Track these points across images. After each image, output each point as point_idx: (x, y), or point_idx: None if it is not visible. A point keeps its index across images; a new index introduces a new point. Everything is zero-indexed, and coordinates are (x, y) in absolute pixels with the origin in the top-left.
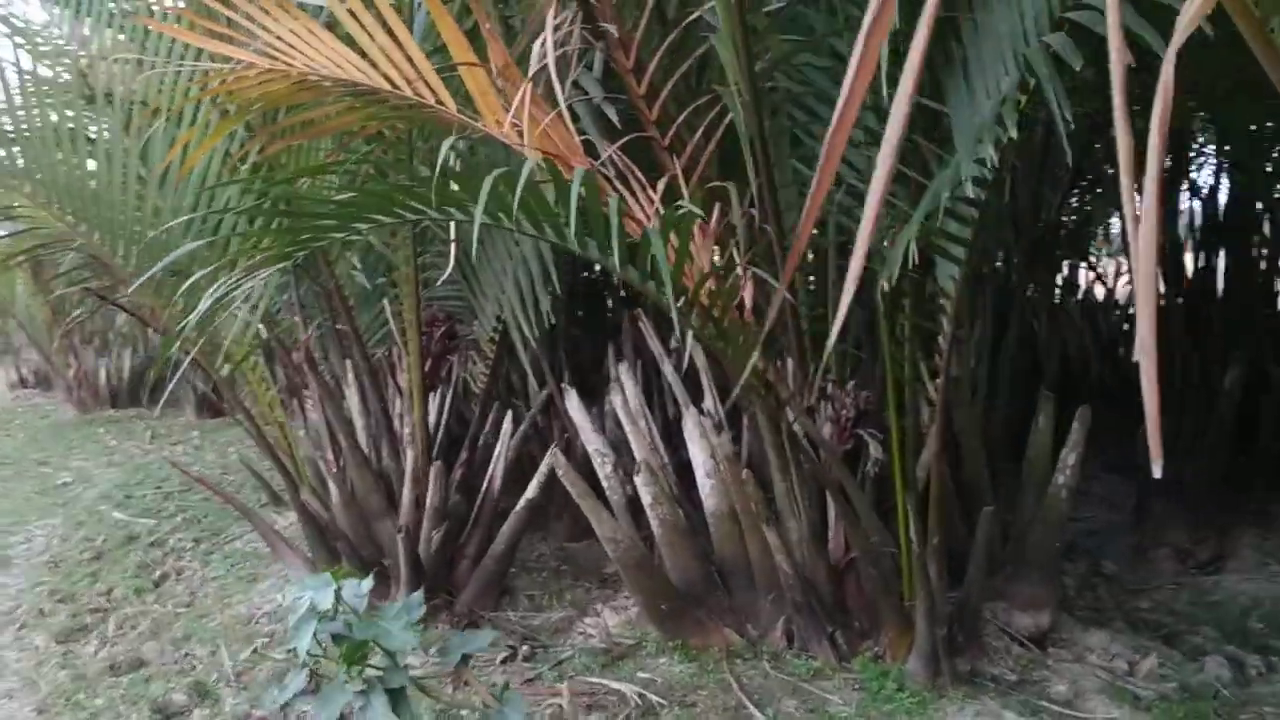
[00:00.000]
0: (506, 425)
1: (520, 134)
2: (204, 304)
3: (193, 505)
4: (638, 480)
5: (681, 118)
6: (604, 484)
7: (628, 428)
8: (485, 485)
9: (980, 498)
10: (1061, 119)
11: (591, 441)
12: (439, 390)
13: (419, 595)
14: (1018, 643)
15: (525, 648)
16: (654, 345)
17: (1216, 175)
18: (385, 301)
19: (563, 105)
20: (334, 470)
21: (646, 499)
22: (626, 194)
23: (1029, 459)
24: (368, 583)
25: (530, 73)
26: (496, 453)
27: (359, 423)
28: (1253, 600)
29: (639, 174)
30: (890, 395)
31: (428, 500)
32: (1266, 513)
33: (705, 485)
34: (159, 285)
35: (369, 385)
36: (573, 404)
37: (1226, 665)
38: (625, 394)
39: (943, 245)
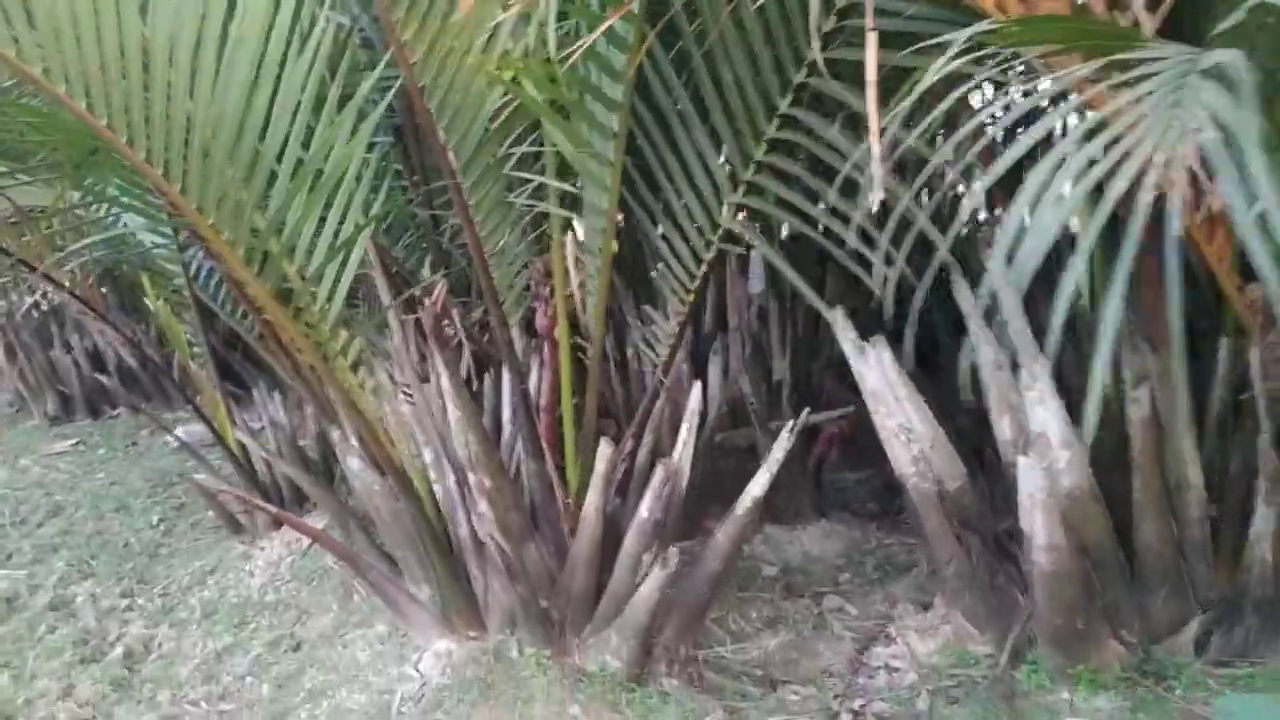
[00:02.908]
0: (695, 397)
1: None
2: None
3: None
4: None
5: None
6: (909, 470)
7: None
8: (668, 483)
9: None
10: None
11: (895, 415)
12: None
13: None
14: None
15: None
16: None
17: None
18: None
19: None
20: (486, 485)
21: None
22: None
23: None
24: None
25: None
26: (683, 434)
27: (504, 414)
28: None
29: None
30: None
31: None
32: None
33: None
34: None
35: (508, 362)
36: (878, 362)
37: None
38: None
39: None
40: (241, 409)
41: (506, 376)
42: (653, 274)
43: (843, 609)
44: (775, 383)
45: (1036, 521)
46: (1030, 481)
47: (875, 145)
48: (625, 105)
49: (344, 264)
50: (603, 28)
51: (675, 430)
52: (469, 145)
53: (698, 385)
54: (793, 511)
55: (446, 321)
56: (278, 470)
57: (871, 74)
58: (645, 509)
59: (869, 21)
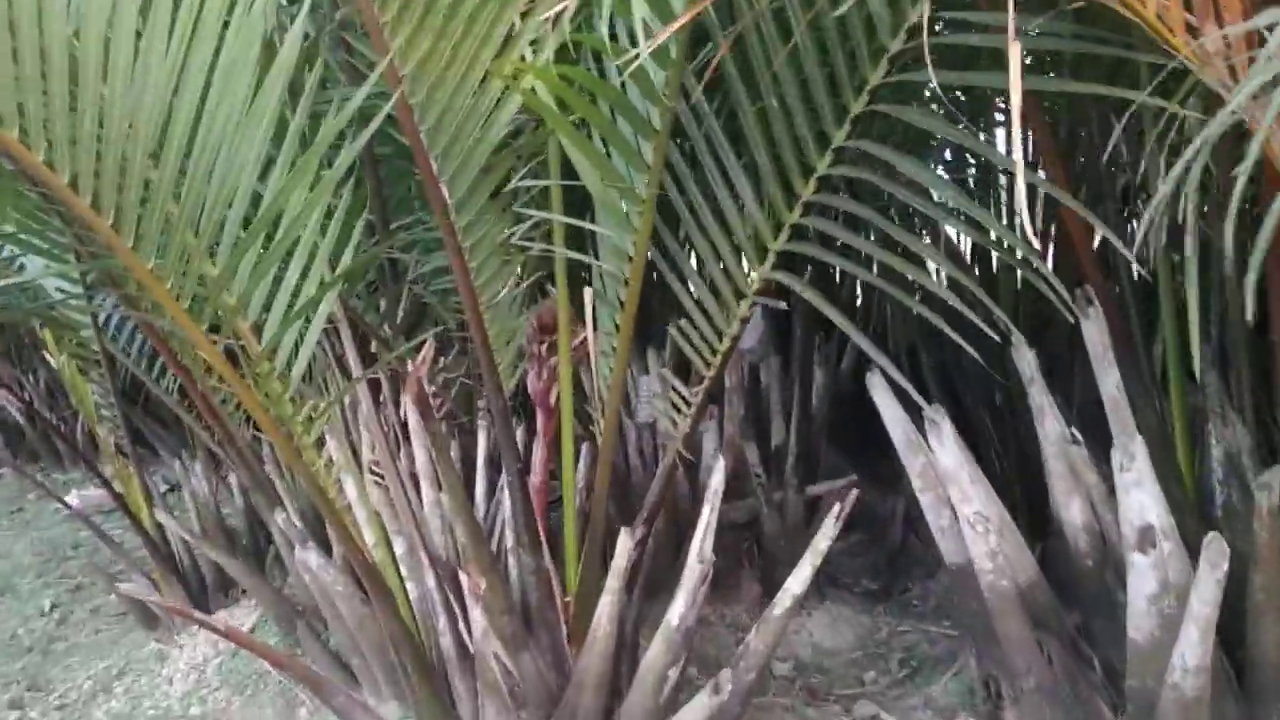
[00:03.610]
0: (717, 476)
1: None
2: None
3: None
4: None
5: None
6: (986, 565)
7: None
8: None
9: None
10: None
11: (971, 499)
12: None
13: None
14: None
15: None
16: None
17: None
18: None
19: None
20: (480, 586)
21: None
22: None
23: None
24: None
25: None
26: (703, 519)
27: (478, 493)
28: None
29: None
30: None
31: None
32: None
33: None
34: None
35: (502, 435)
36: (946, 437)
37: None
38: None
39: None
40: (147, 469)
41: (482, 446)
42: (670, 330)
43: (879, 718)
44: (775, 448)
45: (1187, 638)
46: (1148, 585)
47: (1020, 178)
48: (664, 132)
49: (309, 320)
50: (663, 35)
51: (677, 509)
52: (466, 176)
53: (721, 462)
54: None
55: (434, 388)
56: (199, 550)
57: (1016, 99)
58: (676, 615)
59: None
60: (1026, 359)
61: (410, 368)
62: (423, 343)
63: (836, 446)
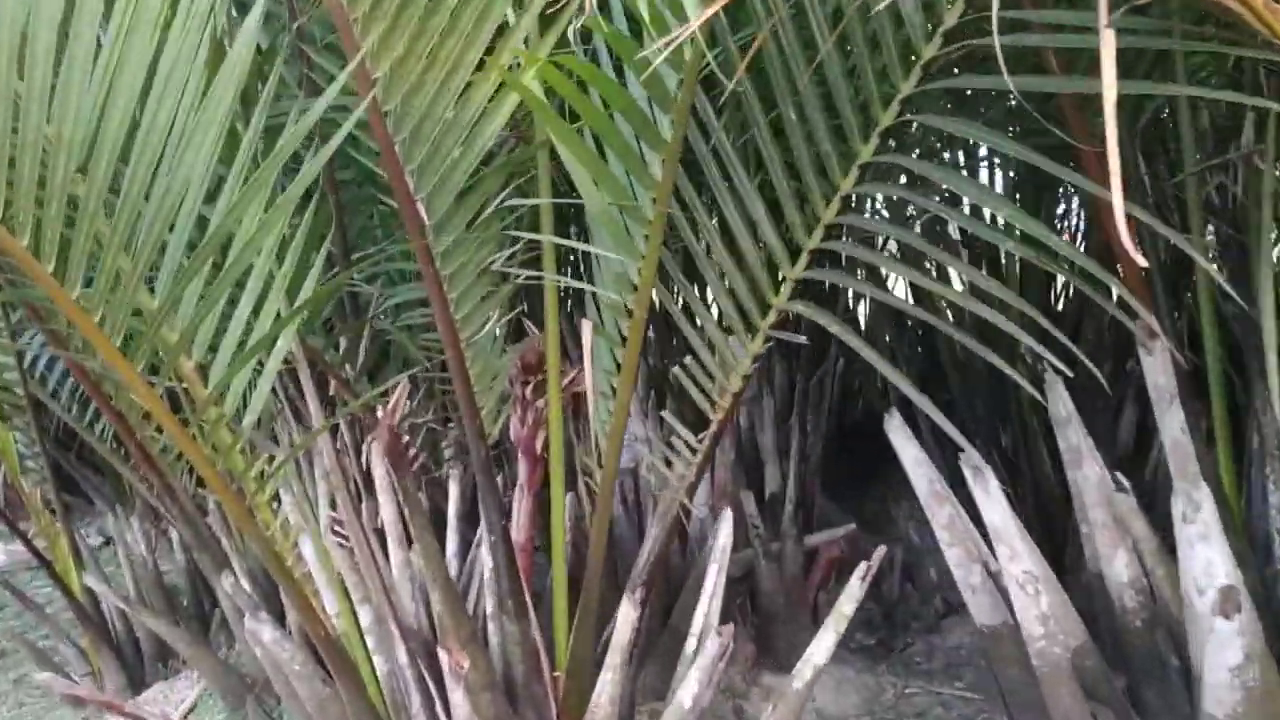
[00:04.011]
0: (725, 531)
1: None
2: None
3: None
4: None
5: None
6: (1036, 630)
7: None
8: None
9: None
10: None
11: (1021, 559)
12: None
13: None
14: None
15: None
16: None
17: None
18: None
19: None
20: (461, 664)
21: None
22: None
23: None
24: None
25: None
26: (710, 580)
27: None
28: None
29: None
30: None
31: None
32: None
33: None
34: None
35: (484, 487)
36: (993, 491)
37: None
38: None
39: None
40: (80, 521)
41: (454, 498)
42: (673, 370)
43: None
44: (770, 496)
45: None
46: (1232, 656)
47: (1118, 191)
48: (675, 145)
49: (263, 362)
50: (689, 28)
51: (668, 569)
52: (447, 194)
53: (728, 514)
54: (789, 650)
55: (407, 438)
56: (135, 618)
57: (1110, 105)
58: (689, 696)
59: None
60: (1061, 398)
61: (379, 413)
62: (391, 386)
63: (824, 490)
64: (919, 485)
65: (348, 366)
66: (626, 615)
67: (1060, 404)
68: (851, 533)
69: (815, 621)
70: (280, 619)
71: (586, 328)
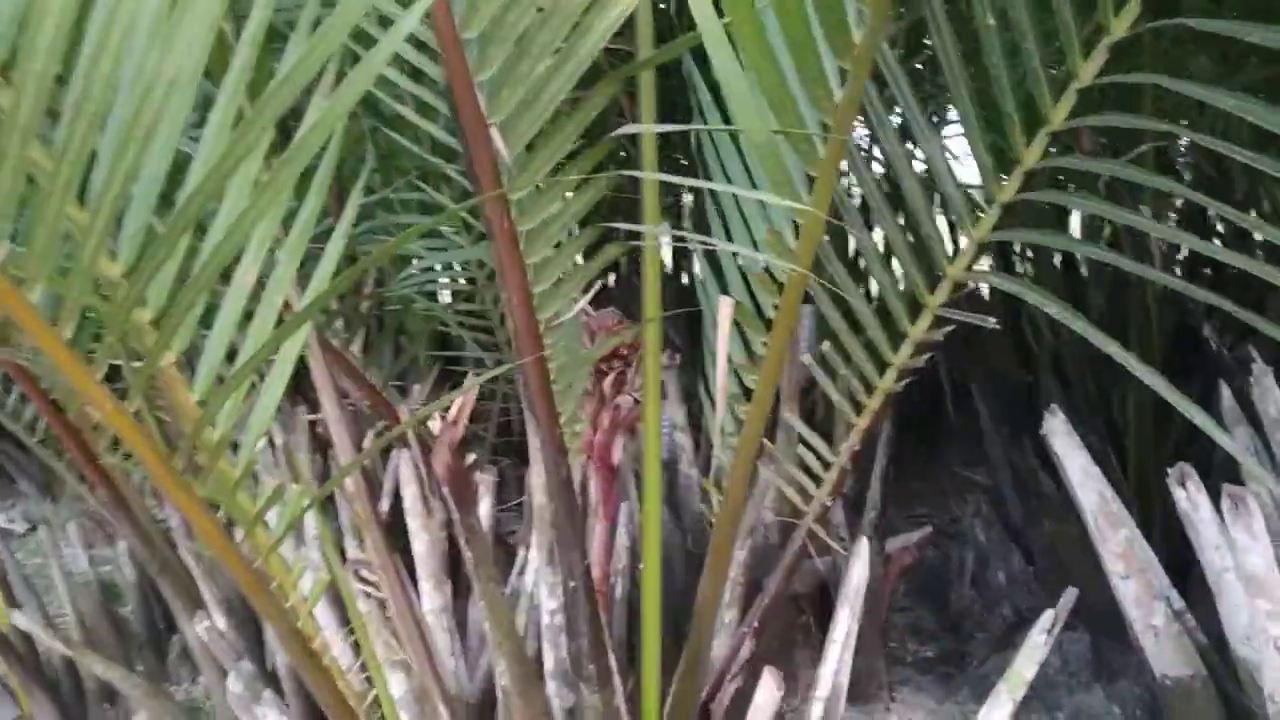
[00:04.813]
0: (860, 566)
1: None
2: None
3: None
4: None
5: None
6: None
7: None
8: None
9: None
10: None
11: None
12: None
13: None
14: None
15: None
16: None
17: None
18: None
19: None
20: None
21: None
22: None
23: None
24: None
25: None
26: (841, 629)
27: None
28: None
29: None
30: None
31: None
32: None
33: None
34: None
35: (564, 518)
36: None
37: None
38: None
39: None
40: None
41: (486, 516)
42: (805, 359)
43: None
44: (853, 498)
45: None
46: None
47: None
48: (870, 45)
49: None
50: None
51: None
52: (533, 117)
53: (864, 545)
54: (867, 679)
55: (470, 461)
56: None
57: None
58: None
59: None
60: (1273, 394)
61: (438, 426)
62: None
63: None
64: (1086, 501)
65: (356, 351)
66: (770, 695)
67: (1272, 402)
68: (925, 536)
69: (885, 641)
70: (257, 657)
71: (725, 305)
